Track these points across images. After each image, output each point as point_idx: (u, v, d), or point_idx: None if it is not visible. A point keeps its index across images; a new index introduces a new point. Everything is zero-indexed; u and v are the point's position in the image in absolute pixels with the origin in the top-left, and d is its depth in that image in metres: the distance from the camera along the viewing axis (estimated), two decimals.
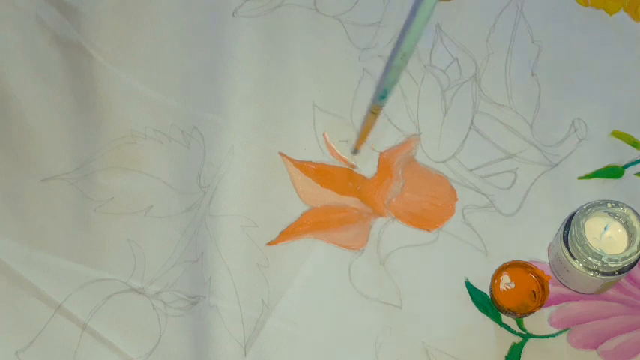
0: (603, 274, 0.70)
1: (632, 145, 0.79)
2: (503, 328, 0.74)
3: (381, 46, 0.82)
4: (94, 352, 0.73)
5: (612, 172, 0.78)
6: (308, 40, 0.83)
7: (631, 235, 0.70)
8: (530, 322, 0.74)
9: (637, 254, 0.69)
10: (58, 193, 0.78)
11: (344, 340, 0.74)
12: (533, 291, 0.74)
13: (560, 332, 0.74)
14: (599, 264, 0.69)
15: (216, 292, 0.74)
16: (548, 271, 0.75)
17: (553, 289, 0.74)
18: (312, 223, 0.77)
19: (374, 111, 0.73)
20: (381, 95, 0.70)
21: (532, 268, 0.74)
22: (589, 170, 0.78)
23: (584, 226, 0.70)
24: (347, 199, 0.78)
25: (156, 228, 0.77)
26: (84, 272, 0.75)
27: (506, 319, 0.74)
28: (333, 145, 0.79)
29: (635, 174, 0.78)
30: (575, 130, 0.80)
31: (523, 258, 0.75)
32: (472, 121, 0.80)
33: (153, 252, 0.76)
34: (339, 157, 0.78)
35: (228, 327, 0.73)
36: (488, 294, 0.75)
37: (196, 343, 0.73)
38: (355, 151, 0.78)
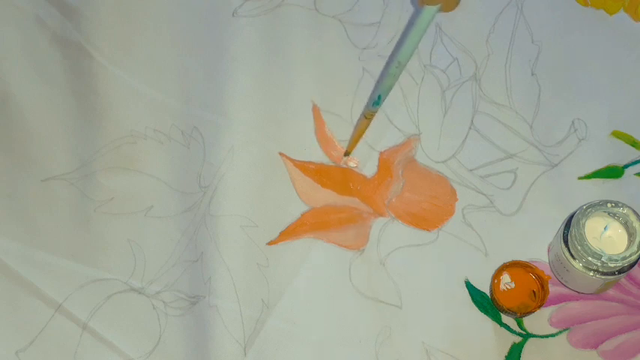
0: (603, 274, 0.70)
1: (632, 145, 0.79)
2: (503, 328, 0.74)
3: (381, 46, 0.82)
4: (94, 352, 0.73)
5: (612, 172, 0.78)
6: (308, 40, 0.83)
7: (631, 235, 0.70)
8: (530, 322, 0.74)
9: (637, 254, 0.69)
10: (58, 193, 0.78)
11: (344, 340, 0.74)
12: (533, 291, 0.74)
13: (560, 332, 0.74)
14: (599, 264, 0.69)
15: (216, 292, 0.74)
16: (548, 271, 0.75)
17: (553, 289, 0.74)
18: (312, 223, 0.77)
19: (367, 116, 0.75)
20: (375, 102, 0.73)
21: (532, 268, 0.74)
22: (589, 170, 0.78)
23: (584, 226, 0.70)
24: (347, 199, 0.78)
25: (156, 228, 0.77)
26: (84, 272, 0.75)
27: (506, 319, 0.74)
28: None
29: (635, 174, 0.78)
30: (575, 130, 0.80)
31: (523, 258, 0.75)
32: (472, 121, 0.80)
33: (153, 252, 0.76)
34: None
35: (228, 327, 0.73)
36: (488, 294, 0.75)
37: (196, 343, 0.73)
38: (347, 154, 0.79)
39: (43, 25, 0.82)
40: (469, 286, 0.75)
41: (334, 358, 0.74)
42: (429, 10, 0.66)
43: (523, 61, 0.82)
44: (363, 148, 0.79)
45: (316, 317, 0.75)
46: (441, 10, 0.67)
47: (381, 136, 0.80)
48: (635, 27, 0.83)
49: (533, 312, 0.73)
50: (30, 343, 0.73)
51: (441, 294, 0.75)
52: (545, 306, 0.74)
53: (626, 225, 0.71)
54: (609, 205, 0.71)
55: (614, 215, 0.71)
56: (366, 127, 0.76)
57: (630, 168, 0.78)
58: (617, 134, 0.79)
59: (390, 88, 0.72)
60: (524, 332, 0.74)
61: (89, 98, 0.80)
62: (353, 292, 0.75)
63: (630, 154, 0.79)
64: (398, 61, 0.69)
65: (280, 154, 0.79)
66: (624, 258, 0.69)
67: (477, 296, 0.75)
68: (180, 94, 0.81)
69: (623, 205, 0.71)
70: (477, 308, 0.75)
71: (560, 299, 0.75)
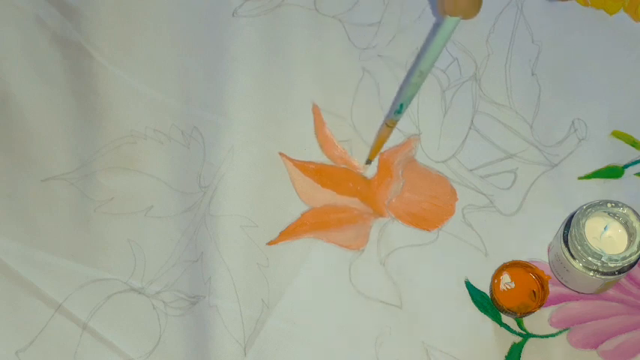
0: (603, 274, 0.70)
1: (632, 145, 0.79)
2: (503, 328, 0.74)
3: (381, 46, 0.82)
4: (94, 352, 0.73)
5: (612, 172, 0.78)
6: (308, 40, 0.83)
7: (631, 235, 0.70)
8: (530, 322, 0.74)
9: (637, 254, 0.69)
10: (58, 193, 0.78)
11: (344, 340, 0.74)
12: (533, 291, 0.74)
13: (560, 332, 0.74)
14: (599, 264, 0.69)
15: (216, 292, 0.74)
16: (548, 271, 0.75)
17: (553, 289, 0.74)
18: (312, 223, 0.77)
19: (389, 124, 0.75)
20: (397, 110, 0.73)
21: (532, 268, 0.74)
22: (589, 170, 0.78)
23: (584, 226, 0.70)
24: (347, 199, 0.78)
25: (156, 228, 0.77)
26: (84, 272, 0.75)
27: (506, 319, 0.74)
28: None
29: (635, 174, 0.78)
30: (575, 130, 0.80)
31: (523, 258, 0.75)
32: (472, 121, 0.80)
33: (153, 252, 0.76)
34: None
35: (228, 327, 0.73)
36: (488, 294, 0.75)
37: (196, 343, 0.73)
38: (368, 162, 0.78)
39: (43, 25, 0.82)
40: (469, 286, 0.75)
41: (334, 358, 0.74)
42: (451, 20, 0.66)
43: (523, 61, 0.82)
44: (363, 149, 0.79)
45: (316, 317, 0.75)
46: (462, 18, 0.67)
47: None
48: (635, 27, 0.83)
49: (533, 312, 0.73)
50: (30, 343, 0.73)
51: (441, 294, 0.75)
52: (545, 306, 0.74)
53: (626, 225, 0.71)
54: (609, 205, 0.71)
55: (614, 215, 0.71)
56: (388, 135, 0.76)
57: (630, 168, 0.78)
58: (617, 134, 0.79)
59: (412, 97, 0.72)
60: (524, 332, 0.74)
61: (89, 98, 0.80)
62: (353, 292, 0.75)
63: (630, 154, 0.79)
64: (420, 70, 0.69)
65: (280, 154, 0.79)
66: (624, 258, 0.69)
67: (476, 296, 0.75)
68: (180, 94, 0.81)
69: (623, 205, 0.71)
70: (477, 308, 0.75)
71: (560, 299, 0.75)
